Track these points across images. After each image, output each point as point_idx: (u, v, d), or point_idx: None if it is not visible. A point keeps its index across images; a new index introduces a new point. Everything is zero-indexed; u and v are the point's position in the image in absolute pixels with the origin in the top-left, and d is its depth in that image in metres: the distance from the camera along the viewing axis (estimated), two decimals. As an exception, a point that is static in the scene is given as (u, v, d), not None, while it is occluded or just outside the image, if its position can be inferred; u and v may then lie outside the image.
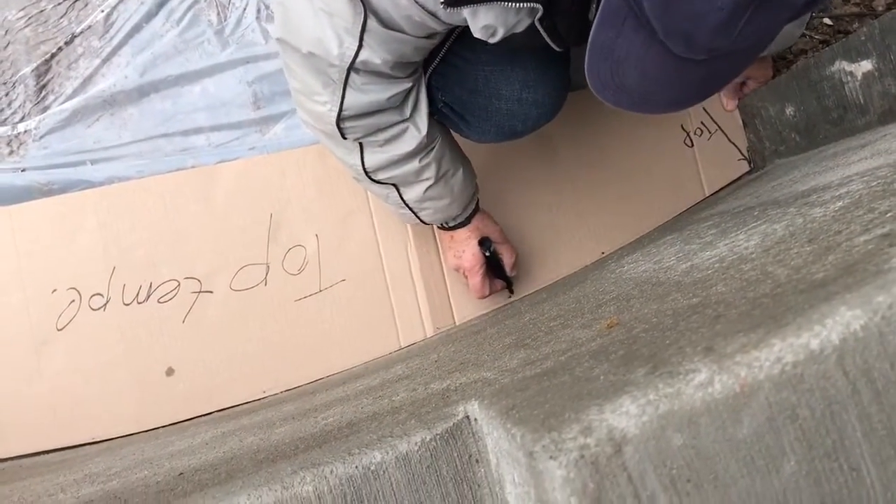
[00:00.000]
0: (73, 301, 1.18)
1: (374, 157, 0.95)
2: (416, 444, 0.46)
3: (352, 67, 0.81)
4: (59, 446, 1.17)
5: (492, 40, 0.78)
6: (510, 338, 0.72)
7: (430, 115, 0.96)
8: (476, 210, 1.12)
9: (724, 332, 0.37)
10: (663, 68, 0.60)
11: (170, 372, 1.20)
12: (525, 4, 0.72)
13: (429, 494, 0.46)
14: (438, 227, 1.15)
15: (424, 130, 0.94)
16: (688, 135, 1.33)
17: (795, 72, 1.13)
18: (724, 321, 0.39)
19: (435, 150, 0.98)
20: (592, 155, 1.31)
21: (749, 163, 1.31)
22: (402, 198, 1.02)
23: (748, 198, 0.99)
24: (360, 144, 0.93)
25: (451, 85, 1.01)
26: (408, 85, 0.90)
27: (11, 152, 1.29)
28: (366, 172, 0.97)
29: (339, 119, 0.87)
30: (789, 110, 1.15)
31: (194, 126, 1.30)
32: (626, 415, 0.34)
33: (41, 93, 1.29)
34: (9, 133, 1.29)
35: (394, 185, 1.00)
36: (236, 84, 1.31)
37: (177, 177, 1.23)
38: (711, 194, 1.31)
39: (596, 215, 1.31)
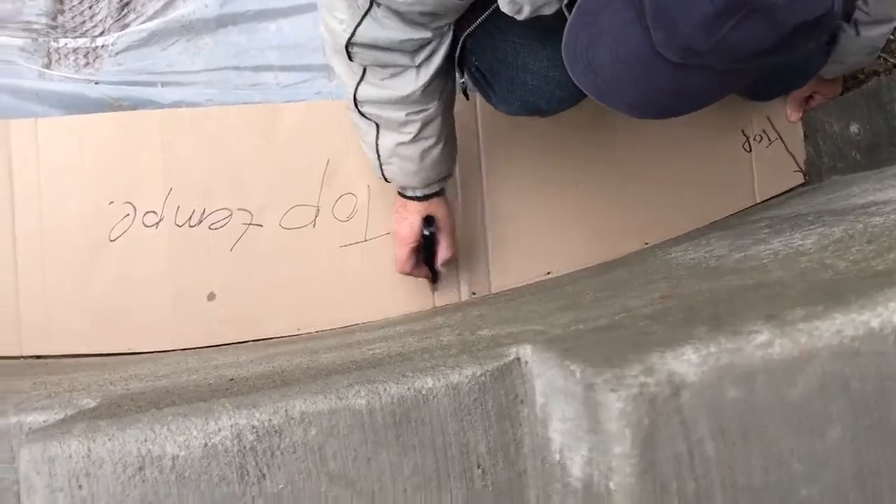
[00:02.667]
0: (128, 215, 1.22)
1: (368, 89, 0.95)
2: (466, 376, 0.49)
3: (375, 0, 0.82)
4: (99, 352, 1.21)
5: (518, 17, 0.78)
6: (553, 303, 0.74)
7: (443, 83, 0.97)
8: (437, 194, 1.11)
9: (785, 305, 0.39)
10: (636, 57, 0.58)
11: (211, 297, 1.23)
12: None
13: (472, 425, 0.48)
14: (398, 192, 1.13)
15: (423, 82, 0.94)
16: (747, 140, 1.34)
17: (866, 91, 1.13)
18: (785, 297, 0.41)
19: (426, 113, 0.99)
20: (650, 148, 1.31)
21: (804, 175, 1.31)
22: (377, 141, 1.01)
23: (801, 206, 1.00)
24: (364, 70, 0.93)
25: (483, 50, 1.03)
26: (427, 35, 0.90)
27: (87, 64, 1.33)
28: (355, 99, 0.97)
29: (349, 42, 0.88)
30: (854, 128, 1.15)
31: (265, 63, 1.33)
32: (686, 362, 0.36)
33: (123, 10, 1.33)
34: (87, 45, 1.32)
35: (376, 124, 1.00)
36: (311, 28, 1.33)
37: (242, 110, 1.26)
38: (762, 202, 1.32)
39: (643, 207, 1.32)
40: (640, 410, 0.35)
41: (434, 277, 1.20)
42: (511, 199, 1.29)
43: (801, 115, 1.29)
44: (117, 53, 1.32)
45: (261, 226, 1.24)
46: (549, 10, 0.76)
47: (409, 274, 1.16)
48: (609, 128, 1.29)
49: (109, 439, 0.47)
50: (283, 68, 1.32)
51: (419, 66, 0.93)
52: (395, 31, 0.87)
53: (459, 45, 1.02)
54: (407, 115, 0.97)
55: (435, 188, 1.10)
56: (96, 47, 1.32)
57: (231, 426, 0.47)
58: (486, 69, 1.04)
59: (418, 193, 1.09)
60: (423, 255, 1.15)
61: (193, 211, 1.23)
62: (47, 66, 1.31)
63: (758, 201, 1.33)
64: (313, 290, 1.25)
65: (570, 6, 0.74)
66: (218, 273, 1.23)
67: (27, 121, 1.22)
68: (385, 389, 0.48)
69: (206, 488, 0.47)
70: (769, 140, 1.33)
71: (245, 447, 0.47)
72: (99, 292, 1.20)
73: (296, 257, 1.25)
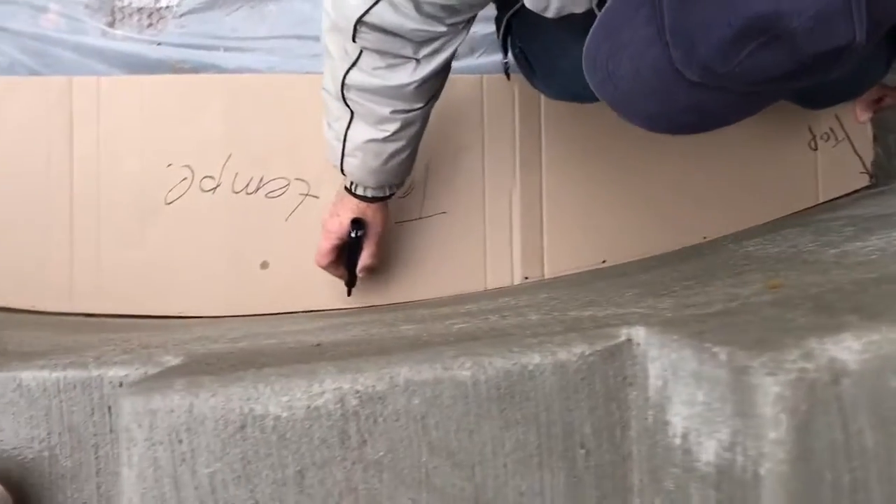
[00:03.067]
0: (186, 179, 1.22)
1: (359, 76, 0.91)
2: (575, 355, 0.48)
3: None
4: (149, 314, 1.22)
5: (545, 14, 0.77)
6: (634, 290, 0.73)
7: (437, 85, 0.95)
8: (383, 199, 1.08)
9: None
10: (655, 72, 0.58)
11: (264, 265, 1.23)
12: None
13: (578, 405, 0.48)
14: (344, 186, 1.09)
15: (420, 77, 0.91)
16: (814, 138, 1.31)
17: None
18: (930, 292, 0.40)
19: (411, 113, 0.96)
20: (713, 141, 1.28)
21: (870, 177, 1.28)
22: (347, 130, 0.97)
23: (876, 207, 0.98)
24: (360, 53, 0.89)
25: (525, 32, 1.01)
26: (440, 29, 0.87)
27: (150, 25, 1.33)
28: (343, 83, 0.92)
29: (360, 20, 0.84)
30: (929, 131, 1.13)
31: (329, 34, 1.31)
32: (848, 349, 0.34)
33: (189, -28, 1.32)
34: (151, 6, 1.32)
35: (352, 112, 0.96)
36: (378, 0, 1.31)
37: (304, 79, 1.25)
38: (825, 202, 1.29)
39: (702, 200, 1.30)
40: (798, 396, 0.34)
41: (351, 282, 1.16)
42: (569, 186, 1.28)
43: (870, 115, 1.26)
44: (181, 15, 1.32)
45: (317, 197, 1.23)
46: (578, 10, 0.75)
47: (325, 269, 1.12)
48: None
49: (212, 396, 0.47)
50: (347, 40, 1.30)
51: (420, 60, 0.90)
52: (408, 20, 0.83)
53: (504, 25, 1.00)
54: (392, 111, 0.94)
55: (386, 192, 1.07)
56: (160, 8, 1.32)
57: (335, 390, 0.47)
58: (528, 51, 1.03)
59: (368, 193, 1.06)
60: (347, 256, 1.12)
61: (251, 178, 1.23)
62: (111, 24, 1.31)
63: (820, 201, 1.30)
64: (365, 265, 1.23)
65: (600, 5, 0.73)
66: (272, 242, 1.23)
67: (90, 78, 1.22)
68: (490, 363, 0.47)
69: (306, 450, 0.47)
70: (836, 139, 1.30)
71: (348, 412, 0.47)
72: (152, 255, 1.20)
73: (350, 231, 1.23)
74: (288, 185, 1.23)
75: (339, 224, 1.08)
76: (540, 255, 1.27)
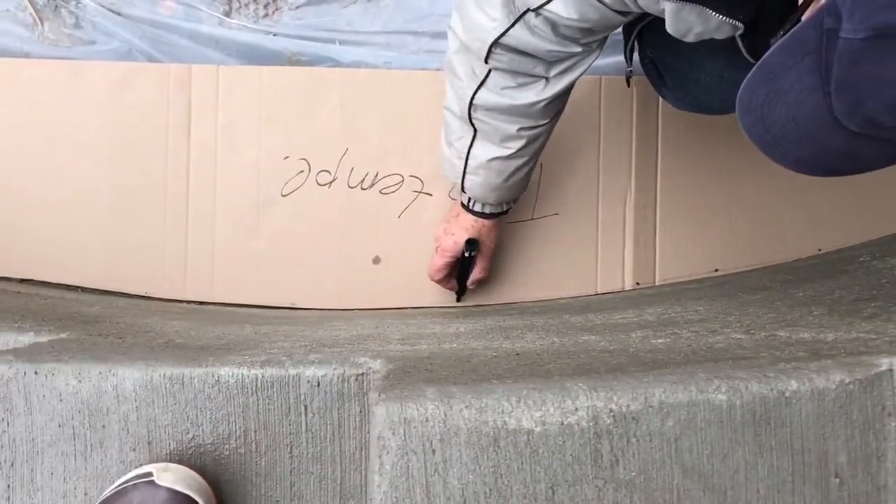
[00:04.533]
0: (302, 171, 1.22)
1: (487, 95, 0.91)
2: (834, 382, 0.47)
3: (539, 9, 0.78)
4: (260, 304, 1.22)
5: (684, 39, 0.76)
6: (820, 309, 0.72)
7: (562, 102, 0.95)
8: (500, 216, 1.09)
9: None
10: (812, 121, 0.57)
11: (376, 260, 1.23)
12: (728, 20, 0.70)
13: (833, 434, 0.47)
14: (460, 203, 1.10)
15: (549, 95, 0.91)
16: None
17: None
18: None
19: (537, 129, 0.96)
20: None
21: None
22: (469, 149, 0.98)
23: None
24: (489, 72, 0.89)
25: (659, 42, 1.00)
26: (575, 50, 0.87)
27: (266, 15, 1.33)
28: (471, 103, 0.92)
29: (496, 41, 0.84)
30: None
31: (444, 30, 1.30)
32: None
33: (307, -36, 1.32)
34: (268, -4, 1.32)
35: (476, 130, 0.96)
36: (496, -2, 1.30)
37: (422, 76, 1.25)
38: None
39: (817, 211, 1.28)
40: None
41: (461, 292, 1.18)
42: (683, 193, 1.27)
43: None
44: (297, 7, 1.32)
45: (430, 195, 1.23)
46: (720, 37, 0.74)
47: (437, 283, 1.15)
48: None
49: (466, 407, 0.47)
50: (463, 37, 1.30)
51: (550, 79, 0.90)
52: (544, 41, 0.83)
53: (634, 34, 1.00)
54: (519, 129, 0.94)
55: (504, 207, 1.08)
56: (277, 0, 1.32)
57: (588, 407, 0.46)
58: (659, 61, 1.02)
59: (487, 210, 1.07)
60: (459, 270, 1.15)
61: (366, 174, 1.23)
62: (227, 13, 1.32)
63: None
64: (475, 264, 1.23)
65: (743, 37, 0.71)
66: (385, 238, 1.23)
67: (209, 67, 1.22)
68: (747, 387, 0.47)
69: (558, 467, 0.46)
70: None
71: (601, 430, 0.46)
72: (265, 245, 1.21)
73: (462, 229, 1.23)
74: (402, 181, 1.24)
75: (455, 244, 1.10)
76: (652, 261, 1.26)
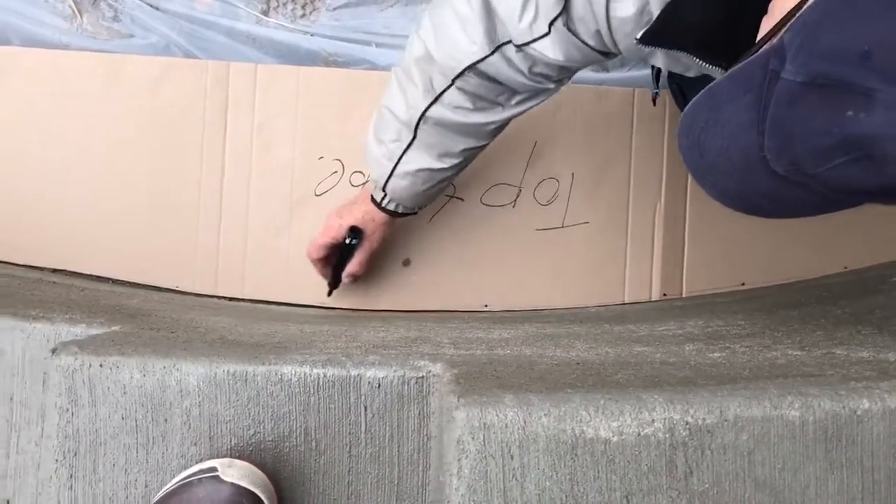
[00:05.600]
0: (336, 172, 1.23)
1: (441, 111, 0.90)
2: (904, 403, 0.48)
3: (523, 46, 0.78)
4: (290, 301, 1.23)
5: (687, 74, 0.78)
6: (868, 329, 0.73)
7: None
8: (405, 216, 1.08)
9: None
10: (743, 156, 0.58)
11: (406, 262, 1.24)
12: (709, 66, 0.72)
13: (904, 454, 0.48)
14: (370, 197, 1.07)
15: (502, 119, 0.91)
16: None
17: None
18: None
19: (477, 150, 0.97)
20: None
21: None
22: (403, 153, 0.96)
23: None
24: (448, 89, 0.87)
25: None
26: (548, 86, 0.86)
27: (303, 15, 1.34)
28: (422, 114, 0.90)
29: (471, 66, 0.82)
30: None
31: (480, 37, 1.32)
32: None
33: (346, -34, 1.33)
34: (306, -3, 1.33)
35: (415, 139, 0.94)
36: (532, 7, 1.32)
37: (458, 81, 1.25)
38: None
39: (846, 229, 1.30)
40: None
41: (334, 284, 1.16)
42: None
43: None
44: (335, 9, 1.33)
45: (462, 199, 1.24)
46: (716, 76, 0.76)
47: (313, 263, 1.13)
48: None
49: (545, 415, 0.48)
50: (499, 44, 1.31)
51: (509, 106, 0.90)
52: (518, 75, 0.83)
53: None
54: (463, 149, 0.94)
55: (415, 210, 1.08)
56: (314, 0, 1.33)
57: (665, 419, 0.48)
58: (686, 87, 1.03)
59: (399, 209, 1.05)
60: (337, 258, 1.13)
61: (399, 176, 1.23)
62: (265, 12, 1.32)
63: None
64: (505, 269, 1.25)
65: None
66: (415, 240, 1.24)
67: (247, 65, 1.23)
68: (819, 404, 0.48)
69: (633, 476, 0.48)
70: None
71: (677, 442, 0.47)
72: (297, 244, 1.21)
73: (492, 234, 1.25)
74: (434, 185, 1.24)
75: (339, 227, 1.09)
76: (680, 272, 1.27)
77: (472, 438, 0.49)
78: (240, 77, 1.23)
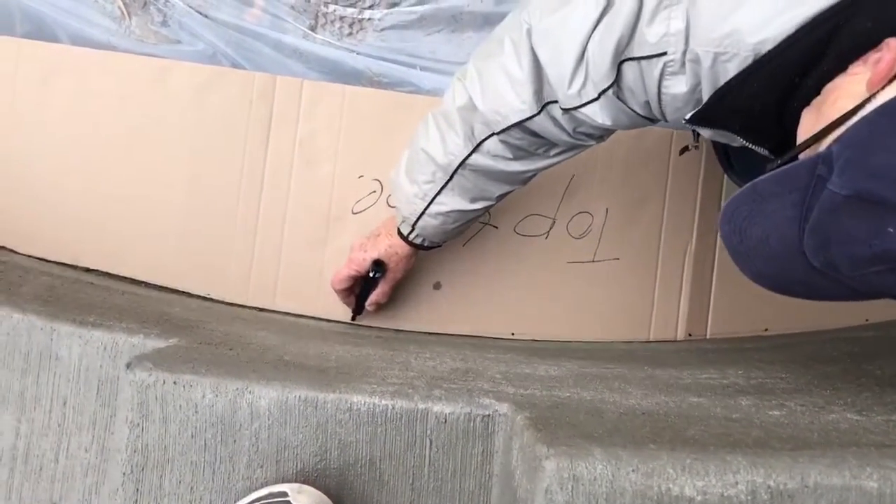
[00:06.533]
0: (374, 192, 1.25)
1: (481, 159, 0.91)
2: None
3: (571, 109, 0.80)
4: (321, 316, 1.24)
5: (732, 144, 0.81)
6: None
7: None
8: (423, 248, 1.09)
9: None
10: (783, 246, 0.61)
11: (437, 286, 1.26)
12: (759, 148, 0.76)
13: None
14: (397, 231, 1.09)
15: (537, 167, 0.94)
16: None
17: None
18: None
19: (510, 194, 1.00)
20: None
21: None
22: (436, 195, 0.97)
23: None
24: (488, 139, 0.89)
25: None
26: (590, 143, 0.90)
27: (350, 34, 1.35)
28: (462, 161, 0.92)
29: (521, 123, 0.84)
30: None
31: (524, 68, 1.34)
32: None
33: (397, -11, 1.34)
34: (354, 15, 1.35)
35: (452, 183, 0.95)
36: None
37: (499, 110, 1.27)
38: None
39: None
40: None
41: (358, 311, 1.19)
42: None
43: None
44: (382, 30, 1.34)
45: (496, 227, 1.26)
46: (760, 151, 0.78)
47: (337, 293, 1.15)
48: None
49: (633, 471, 0.49)
50: (542, 76, 1.33)
51: (546, 157, 0.93)
52: (563, 133, 0.85)
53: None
54: (499, 194, 0.97)
55: (440, 244, 1.10)
56: (362, 19, 1.34)
57: (748, 482, 0.49)
58: (731, 149, 1.07)
59: (425, 244, 1.07)
60: (361, 287, 1.15)
61: (436, 200, 1.24)
62: (312, 28, 1.34)
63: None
64: (533, 299, 1.27)
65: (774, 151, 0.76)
66: (448, 265, 1.25)
67: (293, 80, 1.24)
68: (896, 477, 0.50)
69: (714, 535, 0.49)
70: None
71: (758, 504, 0.49)
72: (331, 260, 1.23)
73: (523, 264, 1.26)
74: (470, 211, 1.25)
75: (363, 260, 1.11)
76: (706, 314, 1.30)
77: (561, 489, 0.50)
78: (285, 91, 1.24)
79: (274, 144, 1.23)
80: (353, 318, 1.20)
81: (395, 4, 1.36)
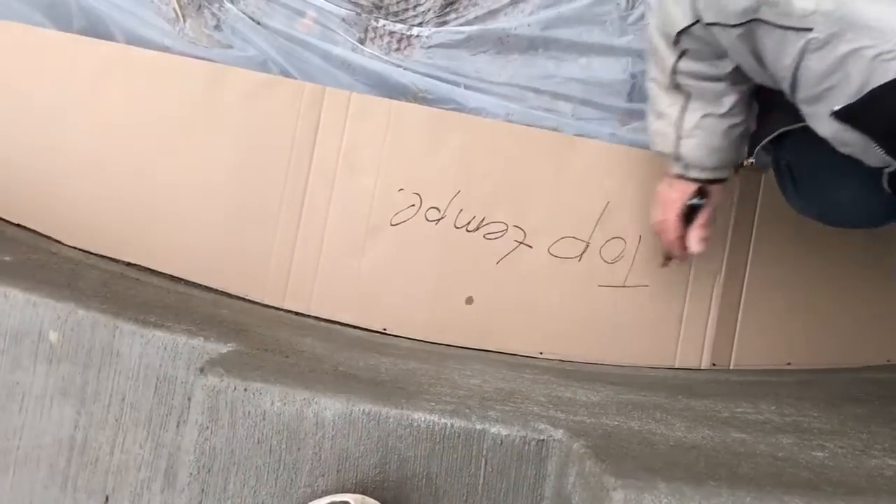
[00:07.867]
0: (413, 205, 1.27)
1: (688, 63, 0.95)
2: None
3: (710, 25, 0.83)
4: (354, 324, 1.27)
5: (837, 147, 0.82)
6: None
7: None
8: (719, 181, 1.08)
9: None
10: None
11: (469, 301, 1.28)
12: (886, 156, 0.76)
13: None
14: (669, 177, 1.10)
15: (731, 68, 0.95)
16: None
17: None
18: None
19: (745, 87, 0.99)
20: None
21: None
22: (683, 112, 1.00)
23: None
24: (684, 50, 0.93)
25: (800, 149, 1.05)
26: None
27: (397, 49, 1.38)
28: (672, 69, 0.96)
29: (681, 31, 0.89)
30: None
31: (566, 93, 1.37)
32: None
33: (446, 9, 1.37)
34: (403, 31, 1.37)
35: (686, 94, 0.99)
36: (620, 71, 1.37)
37: (541, 134, 1.31)
38: None
39: (888, 321, 1.35)
40: None
41: (682, 256, 1.17)
42: (770, 283, 1.33)
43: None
44: (429, 47, 1.37)
45: (531, 247, 1.28)
46: (868, 162, 0.80)
47: (669, 244, 1.14)
48: (883, 244, 1.32)
49: (694, 506, 0.52)
50: (583, 102, 1.36)
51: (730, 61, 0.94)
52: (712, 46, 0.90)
53: (774, 135, 1.04)
54: (727, 85, 0.97)
55: (724, 173, 1.08)
56: (410, 36, 1.37)
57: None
58: (794, 167, 1.06)
59: (704, 175, 1.06)
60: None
61: (474, 217, 1.28)
62: (361, 41, 1.37)
63: None
64: (562, 320, 1.29)
65: (891, 174, 0.79)
66: (480, 281, 1.28)
67: (342, 92, 1.27)
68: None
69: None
70: None
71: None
72: (367, 269, 1.25)
73: (555, 285, 1.29)
74: (506, 230, 1.29)
75: (681, 192, 1.09)
76: (731, 344, 1.32)
77: (628, 519, 0.52)
78: (334, 102, 1.27)
79: (319, 153, 1.26)
80: (666, 264, 1.23)
81: (443, 23, 1.39)
